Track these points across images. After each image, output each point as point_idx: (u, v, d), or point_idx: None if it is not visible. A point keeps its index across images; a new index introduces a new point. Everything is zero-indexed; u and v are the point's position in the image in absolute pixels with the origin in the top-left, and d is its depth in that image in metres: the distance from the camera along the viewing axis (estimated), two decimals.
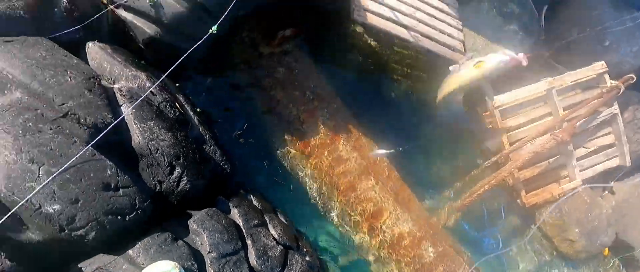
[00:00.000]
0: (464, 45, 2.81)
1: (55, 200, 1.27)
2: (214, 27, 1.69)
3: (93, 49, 1.72)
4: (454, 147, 2.79)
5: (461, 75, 2.54)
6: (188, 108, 1.88)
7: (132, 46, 1.88)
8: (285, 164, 2.29)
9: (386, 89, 2.69)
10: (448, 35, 2.76)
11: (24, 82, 1.39)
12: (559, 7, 3.21)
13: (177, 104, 1.78)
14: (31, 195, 1.23)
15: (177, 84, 2.01)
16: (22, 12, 1.56)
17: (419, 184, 2.55)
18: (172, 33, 1.84)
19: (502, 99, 2.61)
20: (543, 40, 3.18)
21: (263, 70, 2.28)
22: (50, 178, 1.26)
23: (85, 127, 1.40)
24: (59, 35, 1.63)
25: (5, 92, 1.39)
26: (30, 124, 1.33)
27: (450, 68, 2.58)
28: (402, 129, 2.69)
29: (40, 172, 1.27)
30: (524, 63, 2.46)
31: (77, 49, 1.69)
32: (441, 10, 2.86)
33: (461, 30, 2.87)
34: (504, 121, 2.62)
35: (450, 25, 2.83)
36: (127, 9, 1.81)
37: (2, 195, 1.23)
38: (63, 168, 1.28)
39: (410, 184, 2.42)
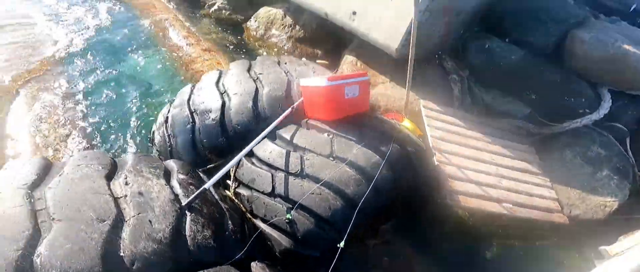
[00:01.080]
0: (559, 203, 2.89)
1: None
2: (342, 243, 2.05)
3: (256, 268, 2.18)
4: None
5: None
6: None
7: (271, 254, 2.32)
8: None
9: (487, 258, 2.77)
10: (539, 196, 2.88)
11: None
12: None
13: None
14: None
15: None
16: (212, 241, 2.06)
17: None
18: (302, 244, 2.25)
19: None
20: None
21: (371, 261, 2.56)
22: None
23: None
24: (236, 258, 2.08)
25: None
26: None
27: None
28: None
29: None
30: None
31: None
32: (525, 171, 3.06)
33: (551, 188, 2.99)
34: None
35: (539, 185, 2.97)
36: (271, 225, 2.30)
37: None
38: None
39: None
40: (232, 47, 4.57)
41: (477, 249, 2.78)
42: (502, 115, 3.66)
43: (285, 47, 4.51)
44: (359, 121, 2.41)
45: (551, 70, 3.53)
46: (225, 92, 2.50)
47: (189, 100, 2.60)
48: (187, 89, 2.70)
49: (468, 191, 2.69)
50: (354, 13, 3.63)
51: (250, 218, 2.29)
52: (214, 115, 2.43)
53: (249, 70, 2.66)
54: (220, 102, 2.44)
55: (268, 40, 4.66)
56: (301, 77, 2.59)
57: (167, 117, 2.67)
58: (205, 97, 2.52)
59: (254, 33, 4.78)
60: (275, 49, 4.56)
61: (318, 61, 4.35)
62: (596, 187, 2.97)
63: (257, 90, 2.45)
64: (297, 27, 4.53)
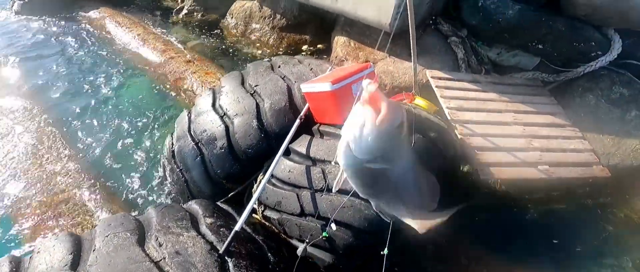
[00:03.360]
0: (595, 153, 2.74)
1: None
2: (385, 250, 1.92)
3: None
4: None
5: None
6: None
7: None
8: None
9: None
10: (574, 151, 2.73)
11: None
12: None
13: None
14: None
15: None
16: None
17: None
18: (346, 257, 2.13)
19: None
20: None
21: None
22: None
23: None
24: None
25: None
26: None
27: None
28: None
29: None
30: None
31: None
32: (553, 125, 2.89)
33: (583, 138, 2.83)
34: None
35: (570, 138, 2.81)
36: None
37: None
38: None
39: None
40: (215, 51, 4.27)
41: (520, 220, 2.67)
42: (512, 70, 3.46)
43: (270, 41, 4.22)
44: None
45: (553, 19, 3.27)
46: (225, 114, 2.29)
47: (189, 130, 2.39)
48: (184, 117, 2.48)
49: (499, 161, 2.52)
50: None
51: (285, 238, 2.17)
52: (221, 143, 2.23)
53: (243, 83, 2.42)
54: (223, 128, 2.24)
55: (250, 36, 4.35)
56: (300, 79, 2.36)
57: (174, 151, 2.47)
58: (206, 125, 2.31)
59: (234, 31, 4.46)
60: (259, 44, 4.26)
61: (306, 52, 4.09)
62: (628, 130, 2.80)
63: (257, 106, 2.24)
64: (278, 16, 4.21)
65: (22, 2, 5.35)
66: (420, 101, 2.72)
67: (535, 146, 2.69)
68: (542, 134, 2.79)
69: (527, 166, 2.55)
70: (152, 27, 4.85)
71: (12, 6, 5.44)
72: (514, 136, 2.73)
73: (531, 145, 2.70)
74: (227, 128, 2.25)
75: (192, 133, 2.37)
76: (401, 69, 3.25)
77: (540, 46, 3.29)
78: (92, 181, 2.86)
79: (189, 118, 2.43)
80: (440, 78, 3.07)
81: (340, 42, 3.68)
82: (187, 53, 4.08)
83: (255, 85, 2.33)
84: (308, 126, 2.21)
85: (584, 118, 2.96)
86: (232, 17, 4.49)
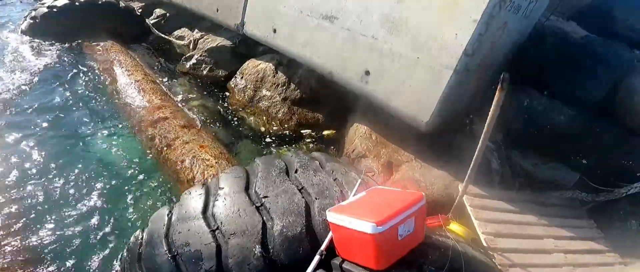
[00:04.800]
0: None
1: None
2: None
3: None
4: None
5: None
6: None
7: None
8: None
9: None
10: None
11: None
12: None
13: None
14: None
15: None
16: None
17: None
18: None
19: None
20: None
21: None
22: None
23: None
24: None
25: None
26: None
27: None
28: None
29: None
30: None
31: None
32: (593, 252, 2.50)
33: (625, 265, 2.37)
34: None
35: (609, 265, 2.38)
36: None
37: None
38: None
39: None
40: (215, 118, 3.82)
41: None
42: (547, 185, 3.06)
43: (279, 114, 3.81)
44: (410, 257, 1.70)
45: (603, 128, 2.96)
46: (218, 229, 1.75)
47: (167, 236, 1.83)
48: (162, 216, 1.94)
49: None
50: (367, 73, 2.98)
51: None
52: (208, 266, 1.68)
53: (247, 188, 1.91)
54: (213, 247, 1.70)
55: (258, 104, 3.95)
56: (322, 195, 1.87)
57: (140, 255, 1.89)
58: (191, 237, 1.76)
59: (241, 95, 4.07)
60: (266, 117, 3.84)
61: (325, 132, 3.67)
62: None
63: (264, 225, 1.72)
64: (292, 86, 3.85)
65: (31, 21, 5.10)
66: (455, 227, 2.25)
67: None
68: (583, 262, 2.36)
69: None
70: (155, 73, 4.44)
71: (21, 24, 5.27)
72: (556, 266, 2.31)
73: None
74: (218, 248, 1.70)
75: (169, 241, 1.81)
76: (429, 178, 2.81)
77: (584, 160, 2.93)
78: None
79: (169, 220, 1.88)
80: (474, 196, 2.63)
81: (360, 133, 3.28)
82: (185, 114, 3.61)
83: (264, 196, 1.83)
84: (326, 259, 1.68)
85: (623, 244, 2.58)
86: (242, 78, 4.13)
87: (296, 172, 2.01)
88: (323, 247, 1.63)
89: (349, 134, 3.39)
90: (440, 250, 1.76)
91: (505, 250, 2.30)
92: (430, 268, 1.61)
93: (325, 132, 3.71)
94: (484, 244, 2.29)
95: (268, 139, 3.58)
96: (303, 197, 1.81)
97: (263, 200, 1.80)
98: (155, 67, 4.58)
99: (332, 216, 1.59)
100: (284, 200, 1.79)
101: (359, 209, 1.60)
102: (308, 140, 3.62)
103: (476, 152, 2.03)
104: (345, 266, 1.65)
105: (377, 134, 3.16)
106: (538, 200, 2.85)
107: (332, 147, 3.58)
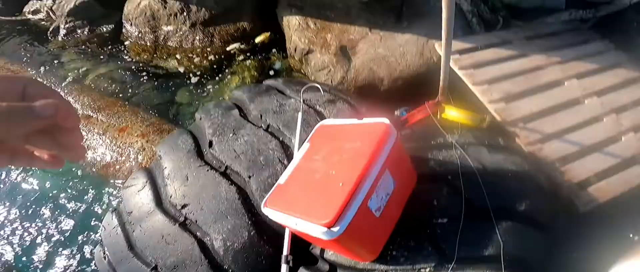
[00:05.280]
0: None
1: None
2: None
3: None
4: None
5: None
6: None
7: None
8: None
9: None
10: None
11: None
12: None
13: None
14: None
15: None
16: None
17: None
18: None
19: None
20: None
21: None
22: None
23: None
24: None
25: None
26: None
27: None
28: None
29: None
30: None
31: None
32: (630, 83, 1.97)
33: None
34: None
35: None
36: None
37: None
38: None
39: None
40: (125, 82, 2.97)
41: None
42: (535, 13, 2.42)
43: (195, 42, 2.96)
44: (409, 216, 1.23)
45: None
46: (155, 268, 1.24)
47: (131, 247, 1.34)
48: (112, 223, 1.42)
49: (593, 171, 1.61)
50: None
51: None
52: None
53: (199, 150, 1.34)
54: (196, 245, 1.21)
55: (167, 44, 3.05)
56: (255, 164, 1.30)
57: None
58: (161, 244, 1.26)
59: (141, 42, 3.12)
60: (182, 53, 2.99)
61: (257, 39, 2.90)
62: None
63: (202, 246, 1.19)
64: (194, 8, 2.91)
65: None
66: (453, 112, 1.71)
67: (626, 126, 1.80)
68: (623, 102, 1.89)
69: (630, 164, 1.69)
70: (28, 62, 3.39)
71: None
72: (594, 118, 1.82)
73: (621, 125, 1.80)
74: (202, 246, 1.22)
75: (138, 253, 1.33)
76: (396, 49, 2.18)
77: None
78: None
79: (123, 229, 1.37)
80: (460, 52, 2.03)
81: (293, 26, 2.51)
82: (83, 97, 2.78)
83: (182, 206, 1.25)
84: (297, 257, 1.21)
85: None
86: (131, 24, 3.12)
87: (261, 117, 1.39)
88: (286, 251, 1.13)
89: (284, 30, 2.65)
90: (445, 181, 1.27)
91: (525, 118, 1.79)
92: (443, 220, 1.14)
93: (258, 39, 2.94)
94: (498, 118, 1.79)
95: (194, 79, 2.86)
96: (231, 183, 1.24)
97: (183, 212, 1.24)
98: (26, 57, 3.47)
99: (271, 214, 1.03)
100: (209, 198, 1.22)
101: (300, 194, 1.02)
102: (240, 57, 2.89)
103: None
104: (329, 256, 1.18)
105: (313, 20, 2.41)
106: (534, 33, 2.24)
107: (274, 50, 2.89)
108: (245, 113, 1.54)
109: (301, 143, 1.36)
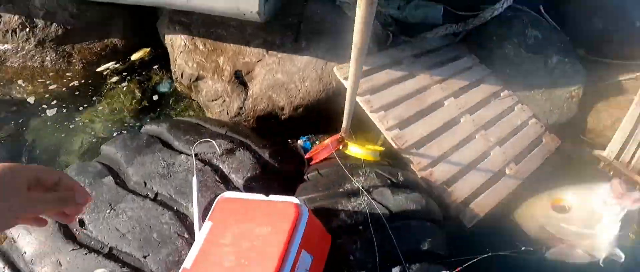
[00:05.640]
0: (537, 118, 2.33)
1: None
2: None
3: None
4: None
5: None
6: None
7: None
8: None
9: None
10: (522, 126, 2.26)
11: None
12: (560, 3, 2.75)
13: None
14: None
15: None
16: None
17: None
18: None
19: (612, 150, 2.22)
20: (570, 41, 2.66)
21: None
22: None
23: None
24: None
25: None
26: None
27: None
28: None
29: None
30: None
31: None
32: (492, 96, 2.32)
33: (521, 103, 2.36)
34: (632, 172, 2.22)
35: (513, 109, 2.31)
36: None
37: None
38: None
39: None
40: None
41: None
42: (420, 27, 2.64)
43: (48, 64, 2.38)
44: None
45: None
46: None
47: None
48: None
49: (473, 189, 1.86)
50: None
51: None
52: None
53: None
54: None
55: (5, 65, 2.38)
56: (157, 249, 1.09)
57: None
58: None
59: None
60: (30, 77, 2.38)
61: (134, 57, 2.47)
62: (554, 79, 2.45)
63: None
64: (40, 23, 2.32)
65: None
66: (354, 148, 1.73)
67: (492, 141, 2.11)
68: (489, 118, 2.21)
69: (499, 177, 1.99)
70: None
71: None
72: (469, 136, 2.08)
73: (489, 141, 2.11)
74: None
75: None
76: (295, 73, 2.11)
77: None
78: None
79: None
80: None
81: (177, 46, 2.21)
82: None
83: (98, 234, 0.98)
84: None
85: (510, 74, 2.48)
86: None
87: (145, 185, 1.12)
88: None
89: (168, 50, 2.33)
90: (358, 234, 1.27)
91: (417, 143, 1.92)
92: None
93: (134, 56, 2.54)
94: (394, 146, 1.89)
95: (50, 110, 2.32)
96: (123, 265, 1.03)
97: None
98: None
99: None
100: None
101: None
102: (114, 79, 2.46)
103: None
104: None
105: (203, 40, 2.18)
106: (419, 50, 2.42)
107: (156, 67, 2.54)
108: (123, 179, 1.27)
109: (200, 211, 1.19)
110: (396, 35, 2.56)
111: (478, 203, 1.86)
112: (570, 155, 2.42)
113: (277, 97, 2.10)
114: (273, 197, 1.04)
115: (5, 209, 0.45)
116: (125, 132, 2.17)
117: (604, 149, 2.24)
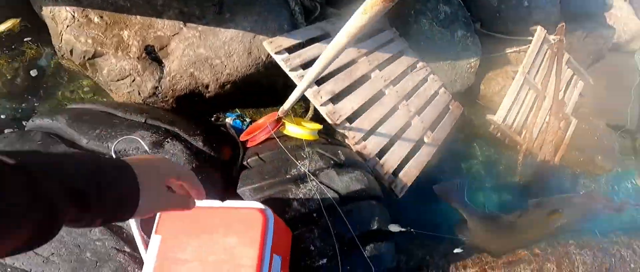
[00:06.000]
0: (445, 87, 2.59)
1: None
2: None
3: None
4: None
5: None
6: None
7: None
8: None
9: None
10: (434, 96, 2.48)
11: None
12: None
13: None
14: None
15: None
16: None
17: None
18: None
19: (500, 115, 2.63)
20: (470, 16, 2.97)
21: None
22: None
23: None
24: None
25: None
26: None
27: None
28: None
29: None
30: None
31: None
32: (410, 68, 2.47)
33: (433, 74, 2.58)
34: (514, 133, 2.68)
35: (427, 80, 2.50)
36: None
37: None
38: None
39: None
40: None
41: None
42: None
43: None
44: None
45: None
46: None
47: None
48: None
49: (400, 159, 2.01)
50: None
51: None
52: None
53: None
54: None
55: None
56: None
57: None
58: None
59: None
60: None
61: (1, 28, 1.90)
62: (458, 51, 2.74)
63: None
64: None
65: None
66: (294, 128, 1.68)
67: (412, 111, 2.29)
68: (409, 89, 2.37)
69: (419, 145, 2.18)
70: None
71: None
72: (393, 108, 2.20)
73: (410, 111, 2.27)
74: None
75: None
76: (220, 48, 1.91)
77: None
78: None
79: None
80: (288, 50, 1.97)
81: (61, 19, 1.77)
82: None
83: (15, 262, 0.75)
84: None
85: (424, 46, 2.67)
86: None
87: None
88: None
89: (47, 23, 1.86)
90: (314, 222, 1.25)
91: (350, 117, 1.94)
92: (323, 261, 1.14)
93: (1, 27, 1.98)
94: (330, 121, 1.87)
95: None
96: None
97: None
98: None
99: None
100: None
101: None
102: None
103: None
104: None
105: (98, 12, 1.78)
106: (345, 22, 2.40)
107: (29, 41, 2.03)
108: None
109: (138, 223, 1.02)
110: (323, 7, 2.49)
111: (406, 172, 2.02)
112: (473, 120, 2.80)
113: (200, 74, 1.88)
114: (230, 203, 0.95)
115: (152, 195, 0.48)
116: (9, 131, 1.70)
117: (495, 114, 2.64)
